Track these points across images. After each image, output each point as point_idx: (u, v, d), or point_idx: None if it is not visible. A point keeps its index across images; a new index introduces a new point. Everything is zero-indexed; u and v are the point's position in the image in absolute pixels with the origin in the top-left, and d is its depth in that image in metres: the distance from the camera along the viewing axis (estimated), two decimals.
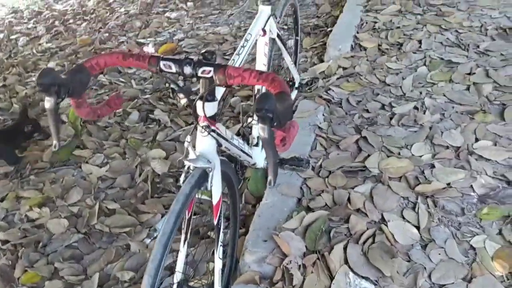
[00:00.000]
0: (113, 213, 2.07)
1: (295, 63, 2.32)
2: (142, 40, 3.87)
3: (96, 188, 2.23)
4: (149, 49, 3.67)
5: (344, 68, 2.64)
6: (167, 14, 4.36)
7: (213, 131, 1.15)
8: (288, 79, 2.04)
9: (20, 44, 4.57)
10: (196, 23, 4.04)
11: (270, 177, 0.89)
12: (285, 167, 1.92)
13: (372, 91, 2.40)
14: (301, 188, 1.87)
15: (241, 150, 1.45)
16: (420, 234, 1.60)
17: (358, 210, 1.73)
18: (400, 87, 2.38)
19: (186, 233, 1.20)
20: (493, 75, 2.32)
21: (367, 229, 1.64)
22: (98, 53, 3.84)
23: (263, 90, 1.68)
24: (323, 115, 2.26)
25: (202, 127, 1.12)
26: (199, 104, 1.09)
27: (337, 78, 2.55)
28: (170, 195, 2.11)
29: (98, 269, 1.82)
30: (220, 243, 1.27)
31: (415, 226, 1.63)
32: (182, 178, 1.12)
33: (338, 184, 1.84)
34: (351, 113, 2.26)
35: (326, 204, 1.77)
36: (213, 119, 1.13)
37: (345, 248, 1.58)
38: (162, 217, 2.01)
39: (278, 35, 1.69)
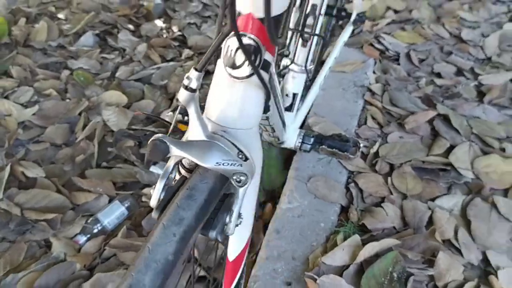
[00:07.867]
0: (33, 184, 1.29)
1: None
2: None
3: (13, 138, 1.42)
4: None
5: (396, 11, 1.86)
6: None
7: None
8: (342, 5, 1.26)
9: None
10: None
11: None
12: (321, 149, 1.18)
13: (441, 48, 1.65)
14: (346, 187, 1.13)
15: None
16: None
17: (445, 241, 1.02)
18: (481, 47, 1.64)
19: None
20: None
21: (465, 280, 0.94)
22: None
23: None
24: (374, 72, 1.50)
25: None
26: None
27: (387, 24, 1.78)
28: (127, 167, 1.33)
29: None
30: None
31: None
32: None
33: (409, 191, 1.12)
34: (415, 75, 1.51)
35: (392, 224, 1.05)
36: None
37: None
38: (109, 201, 1.24)
39: None
